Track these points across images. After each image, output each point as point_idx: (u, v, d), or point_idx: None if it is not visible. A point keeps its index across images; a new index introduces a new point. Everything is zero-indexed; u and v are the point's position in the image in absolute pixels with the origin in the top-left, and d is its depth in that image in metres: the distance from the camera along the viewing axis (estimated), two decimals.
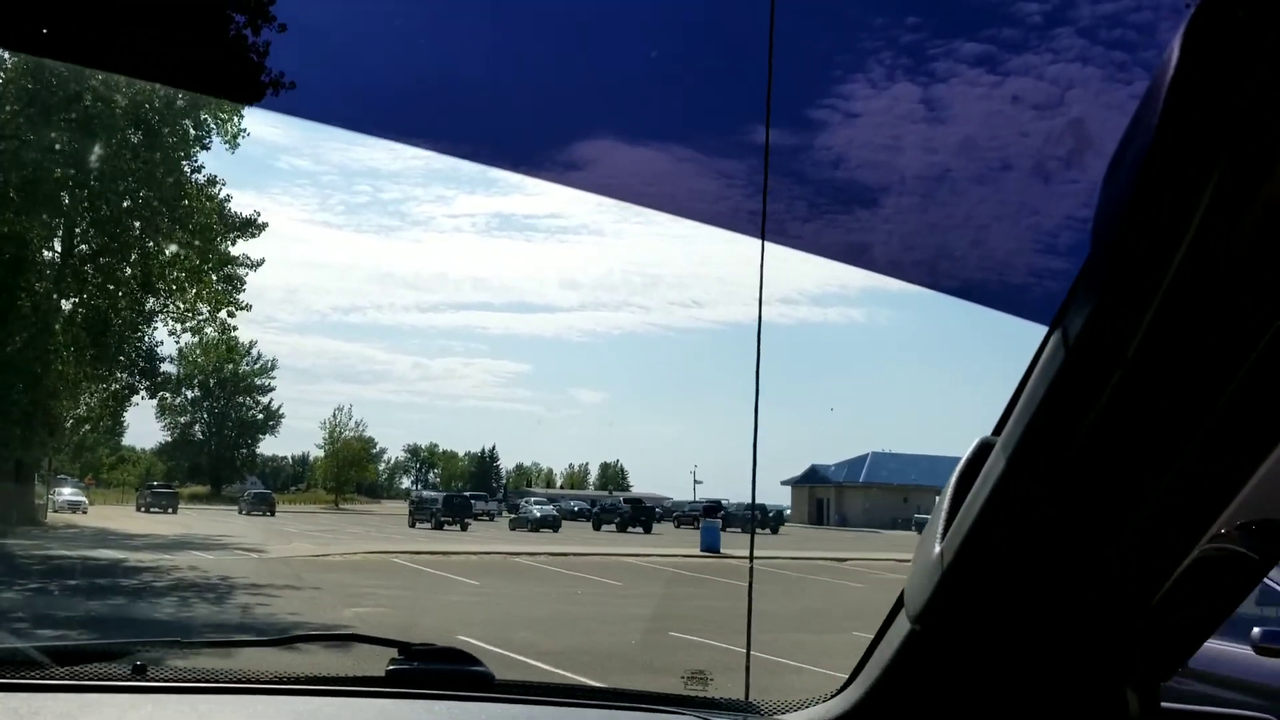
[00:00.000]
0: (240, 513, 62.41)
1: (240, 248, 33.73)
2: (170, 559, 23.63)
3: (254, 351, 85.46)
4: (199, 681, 1.74)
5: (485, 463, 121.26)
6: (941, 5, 1.69)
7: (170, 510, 59.29)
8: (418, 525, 52.63)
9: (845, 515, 79.46)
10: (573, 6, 1.81)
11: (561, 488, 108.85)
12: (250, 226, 32.26)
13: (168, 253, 33.57)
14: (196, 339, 39.60)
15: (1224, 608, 1.38)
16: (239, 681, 1.76)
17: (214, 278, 34.16)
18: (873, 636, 1.63)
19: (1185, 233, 0.96)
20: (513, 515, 59.20)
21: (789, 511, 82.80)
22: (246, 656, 2.00)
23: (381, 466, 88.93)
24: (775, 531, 63.55)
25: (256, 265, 34.16)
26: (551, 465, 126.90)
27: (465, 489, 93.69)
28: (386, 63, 2.01)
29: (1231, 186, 0.94)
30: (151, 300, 35.63)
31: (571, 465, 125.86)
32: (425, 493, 70.73)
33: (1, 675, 1.64)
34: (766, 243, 1.88)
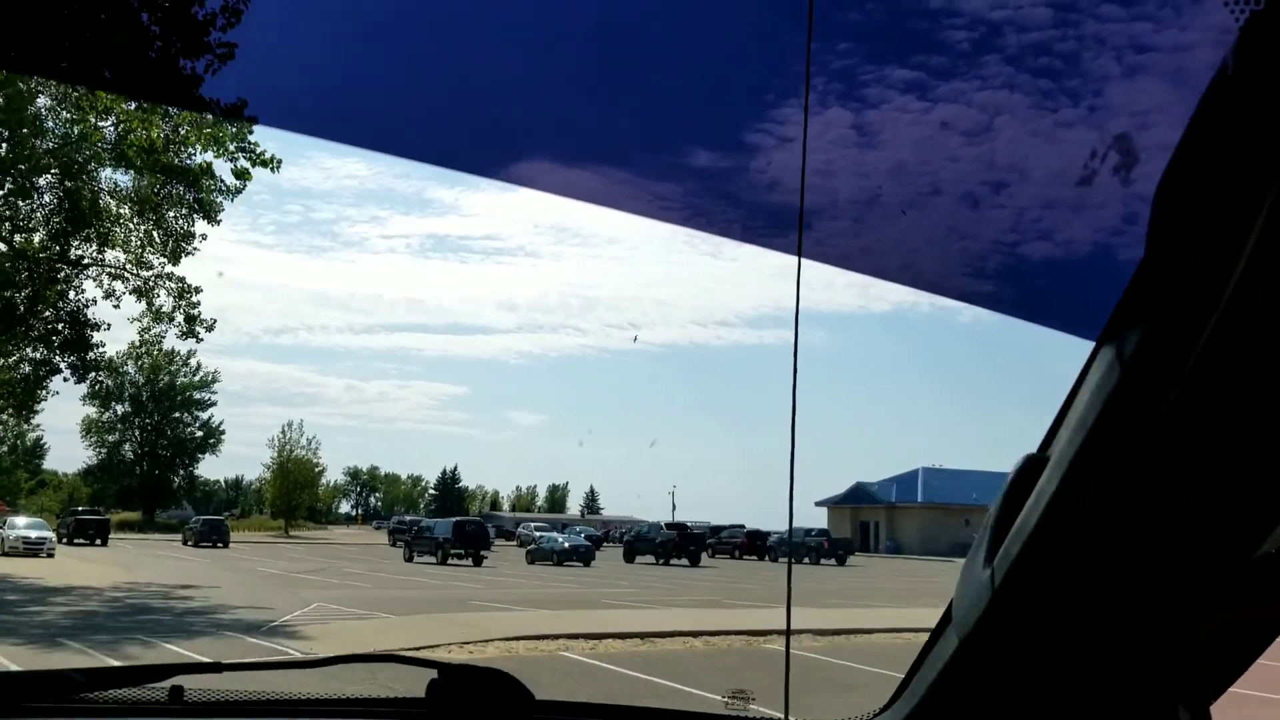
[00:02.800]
0: (186, 543, 54.08)
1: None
2: (110, 659, 12.69)
3: (193, 362, 77.86)
4: (236, 703, 1.71)
5: (449, 485, 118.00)
6: (873, 32, 1.71)
7: (99, 541, 50.92)
8: (416, 559, 44.76)
9: (897, 540, 68.94)
10: (507, 24, 1.81)
11: (513, 510, 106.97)
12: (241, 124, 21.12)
13: (104, 178, 25.42)
14: (143, 308, 28.55)
15: (1276, 625, 1.36)
16: (276, 703, 1.74)
17: (171, 215, 26.00)
18: (917, 654, 1.60)
19: (1245, 245, 0.93)
20: (530, 546, 50.85)
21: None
22: (285, 679, 1.98)
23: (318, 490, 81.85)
24: (843, 562, 55.78)
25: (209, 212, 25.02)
26: (497, 488, 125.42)
27: (427, 513, 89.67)
28: (318, 78, 1.98)
29: None
30: (80, 245, 26.86)
31: (518, 487, 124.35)
32: (422, 520, 61.45)
33: (41, 699, 1.62)
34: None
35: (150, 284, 28.21)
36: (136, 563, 38.43)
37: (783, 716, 2.02)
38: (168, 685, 1.71)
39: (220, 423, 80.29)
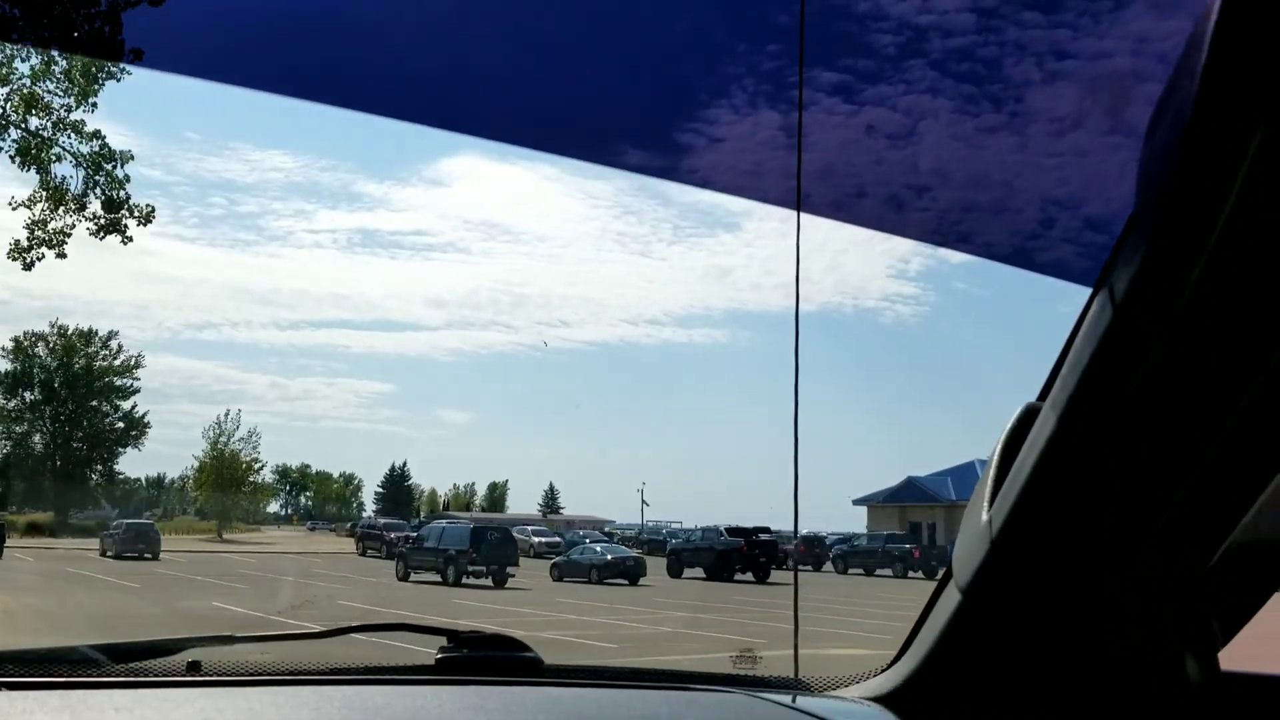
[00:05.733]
0: (105, 553, 41.45)
1: None
2: None
3: (113, 343, 66.59)
4: (251, 675, 1.73)
5: (397, 484, 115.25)
6: (800, 34, 1.73)
7: None
8: (412, 577, 33.57)
9: (945, 546, 53.46)
10: (437, 20, 1.80)
11: (446, 509, 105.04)
12: None
13: None
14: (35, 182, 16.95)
15: None
16: (290, 673, 1.75)
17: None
18: (919, 614, 1.58)
19: (1232, 185, 0.93)
20: (563, 559, 39.37)
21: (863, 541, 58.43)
22: (298, 650, 1.96)
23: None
24: (933, 575, 42.00)
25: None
26: (434, 486, 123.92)
27: (378, 514, 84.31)
28: (243, 62, 1.96)
29: (1278, 139, 0.91)
30: None
31: (456, 486, 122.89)
32: (417, 526, 46.88)
33: (57, 673, 1.62)
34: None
35: (42, 140, 16.42)
36: (24, 586, 27.11)
37: (792, 674, 2.04)
38: (185, 658, 1.73)
39: (145, 414, 67.73)
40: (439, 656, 1.85)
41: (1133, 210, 1.07)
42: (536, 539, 52.70)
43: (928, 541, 52.95)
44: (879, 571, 45.82)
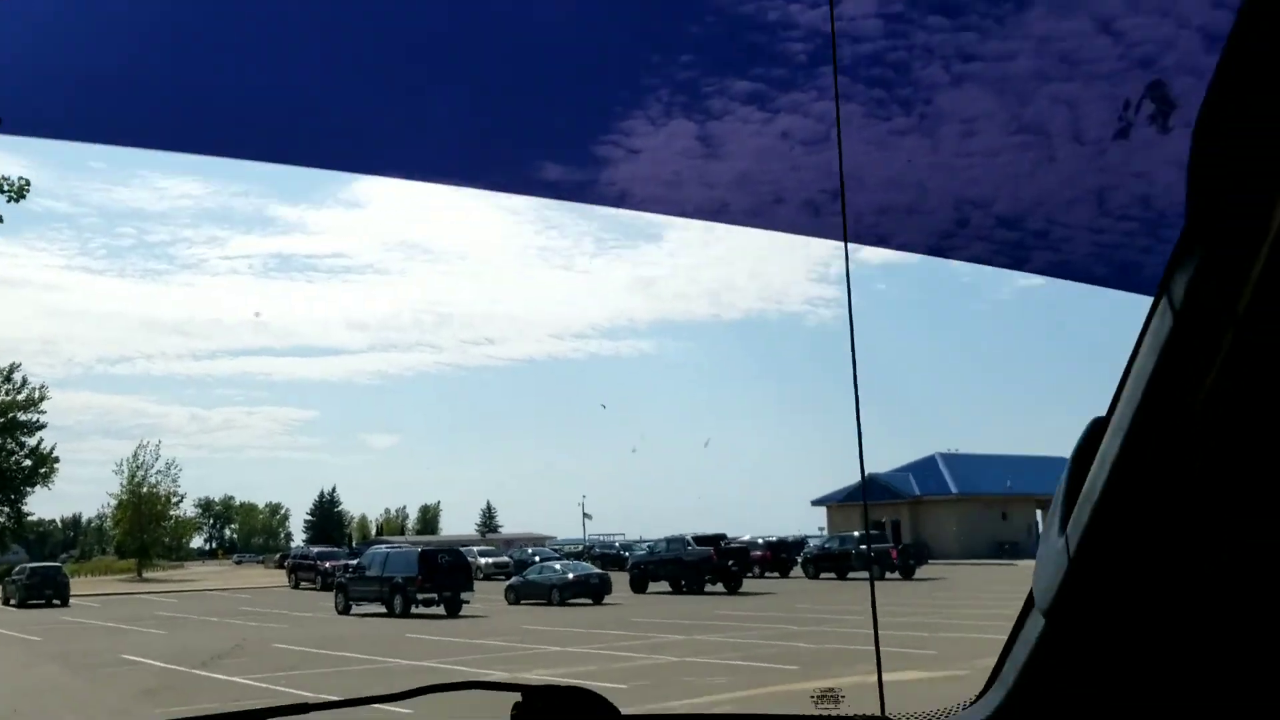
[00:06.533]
0: (8, 602, 39.64)
1: None
2: None
3: (16, 377, 63.06)
4: None
5: (327, 511, 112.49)
6: (713, 43, 1.74)
7: None
8: (354, 609, 31.52)
9: (927, 542, 52.02)
10: (354, 38, 1.78)
11: (379, 534, 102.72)
12: None
13: None
14: None
15: None
16: None
17: None
18: (1006, 638, 1.53)
19: None
20: (519, 579, 36.93)
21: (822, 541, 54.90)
22: (371, 716, 1.93)
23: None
24: (910, 575, 42.25)
25: None
26: (364, 511, 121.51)
27: (309, 543, 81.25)
28: (148, 88, 1.92)
29: None
30: None
31: (387, 510, 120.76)
32: (354, 554, 44.16)
33: None
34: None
35: None
36: None
37: (879, 713, 2.00)
38: None
39: (52, 448, 63.59)
40: (514, 714, 1.82)
41: (1186, 215, 1.05)
42: (483, 560, 50.37)
43: (893, 540, 50.06)
44: (852, 575, 43.39)
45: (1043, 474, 59.50)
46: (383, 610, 30.81)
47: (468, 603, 30.70)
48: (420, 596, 30.10)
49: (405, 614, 29.94)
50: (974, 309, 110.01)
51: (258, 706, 1.72)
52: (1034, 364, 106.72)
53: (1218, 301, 1.01)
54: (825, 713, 1.90)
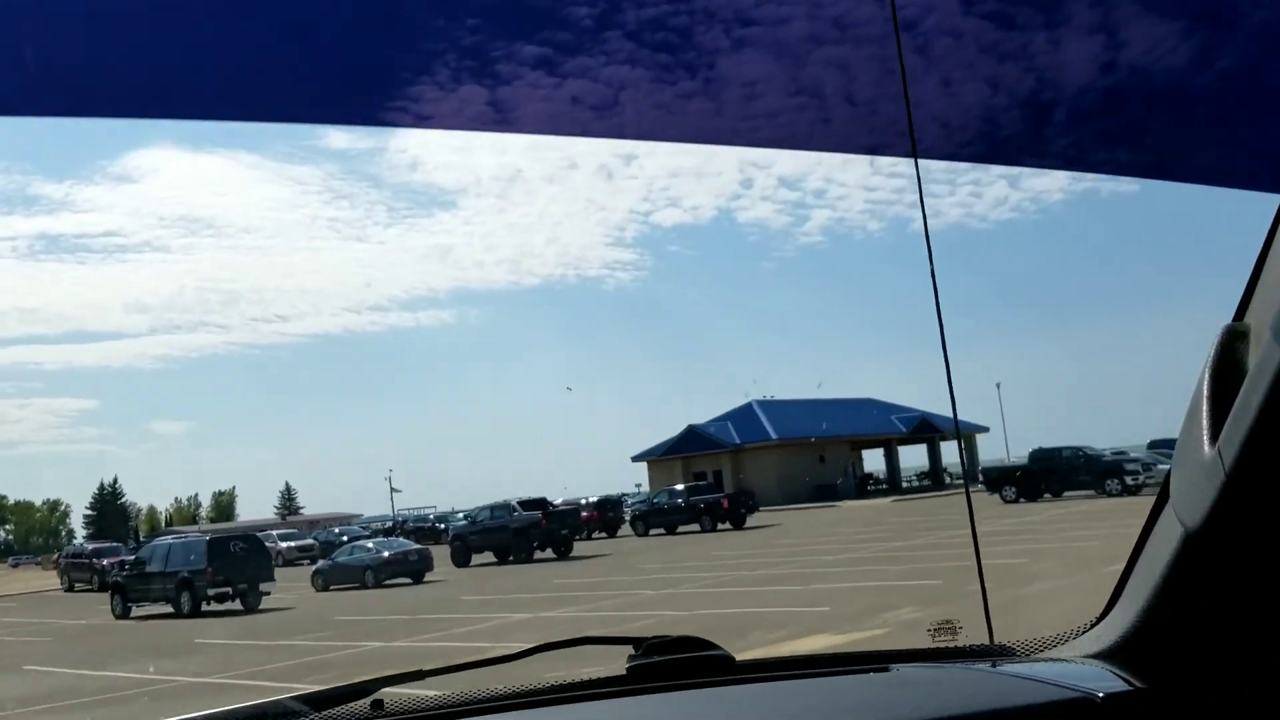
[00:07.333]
0: None
1: None
2: None
3: None
4: (432, 709, 1.74)
5: (109, 504, 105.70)
6: (498, 7, 1.74)
7: None
8: (134, 611, 27.53)
9: (752, 490, 49.95)
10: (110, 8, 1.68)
11: (169, 525, 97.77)
12: None
13: None
14: None
15: None
16: (475, 703, 1.74)
17: None
18: (1128, 559, 1.46)
19: None
20: (326, 563, 33.42)
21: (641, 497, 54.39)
22: (484, 677, 1.91)
23: None
24: (740, 524, 41.18)
25: None
26: (152, 503, 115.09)
27: (89, 540, 75.91)
28: None
29: None
30: None
31: (177, 500, 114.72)
32: (136, 548, 38.29)
33: None
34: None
35: None
36: None
37: (987, 641, 1.96)
38: (369, 700, 1.77)
39: None
40: (629, 666, 1.83)
41: None
42: (285, 544, 47.16)
43: (720, 489, 48.72)
44: (682, 529, 42.39)
45: (855, 416, 62.60)
46: (169, 610, 27.12)
47: (268, 594, 27.50)
48: (211, 591, 26.79)
49: (195, 613, 26.59)
50: (762, 267, 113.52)
51: (377, 676, 1.79)
52: (820, 315, 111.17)
53: None
54: (943, 644, 1.93)
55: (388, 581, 30.77)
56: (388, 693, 1.79)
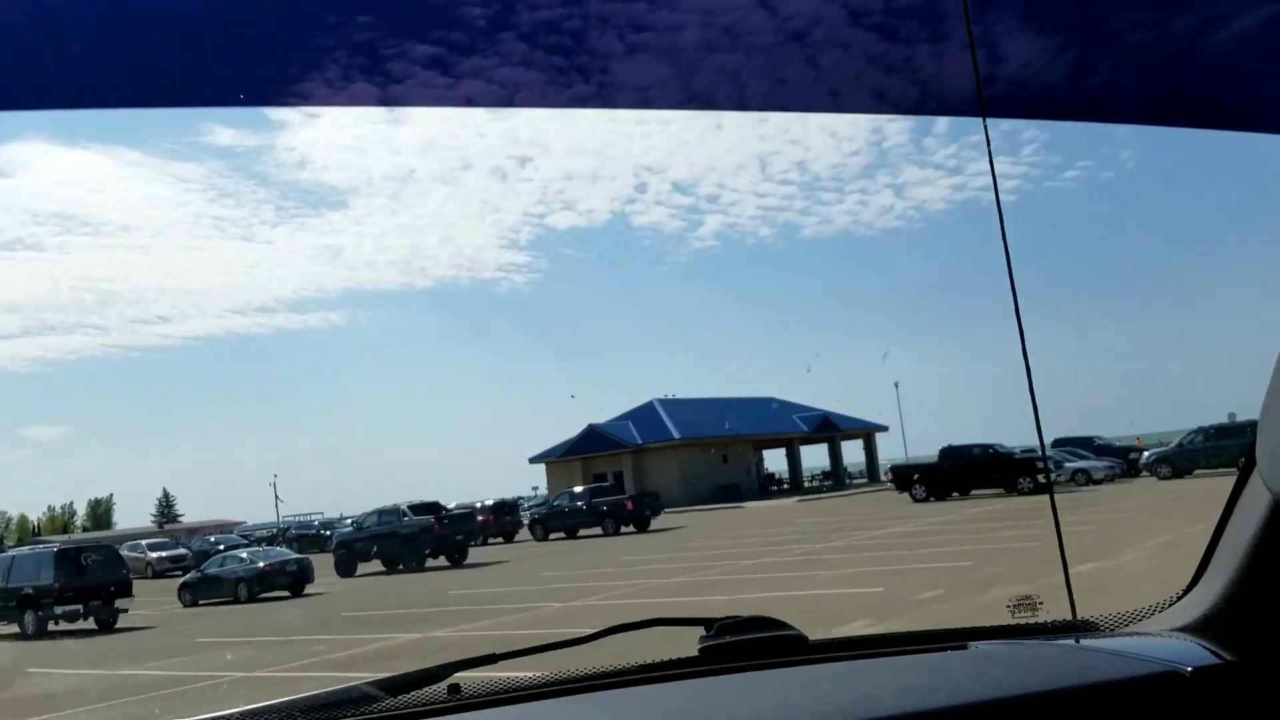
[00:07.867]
0: None
1: None
2: None
3: None
4: (508, 691, 1.75)
5: None
6: (390, 5, 1.72)
7: None
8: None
9: (656, 491, 47.99)
10: None
11: (37, 535, 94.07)
12: None
13: None
14: None
15: None
16: (550, 685, 1.75)
17: None
18: (1213, 530, 1.40)
19: None
20: (195, 575, 30.51)
21: (537, 501, 52.77)
22: (559, 660, 1.91)
23: None
24: (644, 527, 39.70)
25: None
26: (24, 512, 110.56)
27: None
28: None
29: None
30: None
31: (50, 508, 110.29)
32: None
33: (344, 713, 1.71)
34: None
35: None
36: None
37: (1070, 618, 1.93)
38: (445, 685, 1.79)
39: None
40: (702, 646, 1.83)
41: None
42: (154, 554, 43.87)
43: (622, 490, 47.00)
44: (584, 533, 41.07)
45: (757, 415, 62.39)
46: (15, 630, 24.08)
47: (125, 611, 24.67)
48: (59, 610, 23.75)
49: (42, 634, 23.52)
50: (656, 271, 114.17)
51: (453, 661, 1.80)
52: (716, 316, 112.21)
53: None
54: (1024, 621, 1.91)
55: (263, 595, 28.24)
56: (462, 677, 1.82)
